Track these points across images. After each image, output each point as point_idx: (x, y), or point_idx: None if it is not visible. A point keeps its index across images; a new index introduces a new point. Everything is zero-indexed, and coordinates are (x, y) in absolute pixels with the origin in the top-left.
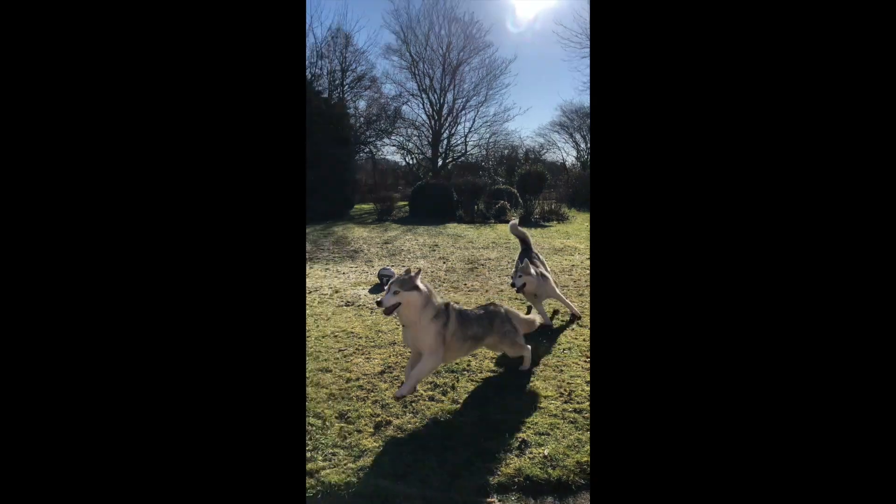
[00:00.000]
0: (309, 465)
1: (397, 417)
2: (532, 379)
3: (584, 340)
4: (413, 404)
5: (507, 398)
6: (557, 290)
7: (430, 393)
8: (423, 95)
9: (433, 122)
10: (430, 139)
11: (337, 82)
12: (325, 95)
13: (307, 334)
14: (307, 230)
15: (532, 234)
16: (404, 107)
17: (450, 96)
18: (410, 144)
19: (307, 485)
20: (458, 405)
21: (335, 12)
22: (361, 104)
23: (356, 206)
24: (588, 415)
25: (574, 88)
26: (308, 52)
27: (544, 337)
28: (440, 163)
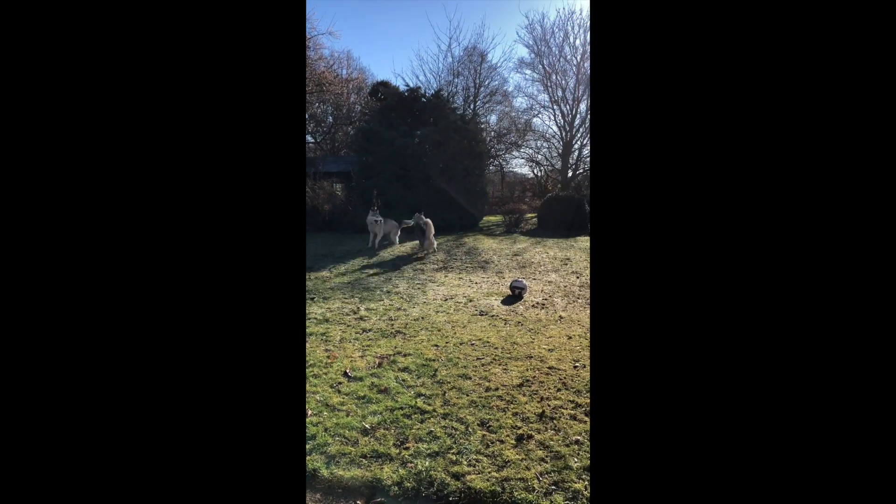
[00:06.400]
0: (454, 468)
1: (539, 433)
2: None
3: None
4: (554, 421)
5: None
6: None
7: (573, 412)
8: (555, 107)
9: (564, 134)
10: (560, 151)
11: (471, 98)
12: (461, 112)
13: (446, 340)
14: (441, 240)
15: None
16: (535, 119)
17: (583, 106)
18: (540, 156)
19: (452, 486)
20: None
21: (472, 32)
22: (493, 118)
23: (485, 218)
24: None
25: None
26: (445, 72)
27: None
28: (570, 174)
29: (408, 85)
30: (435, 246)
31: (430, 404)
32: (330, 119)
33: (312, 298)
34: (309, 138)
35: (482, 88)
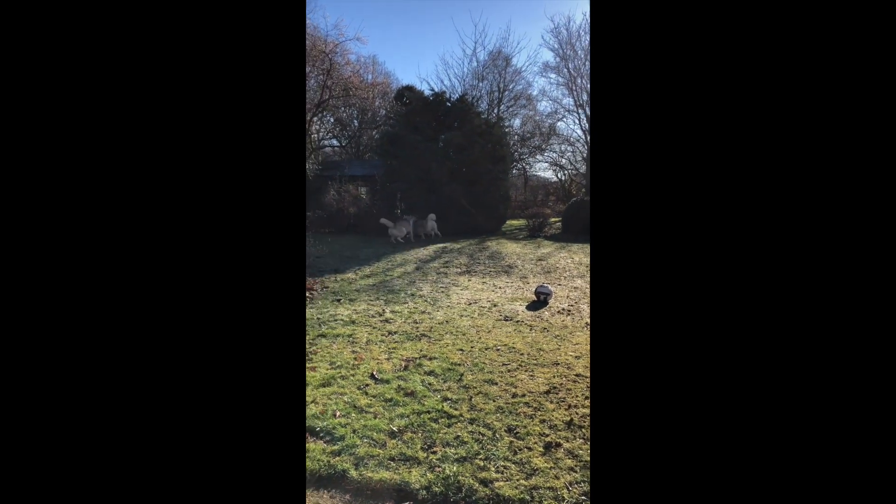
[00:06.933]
0: (482, 474)
1: (567, 441)
2: None
3: None
4: (583, 430)
5: None
6: None
7: None
8: (580, 111)
9: (589, 138)
10: (584, 155)
11: (495, 102)
12: (485, 116)
13: (471, 345)
14: (464, 243)
15: None
16: (559, 123)
17: None
18: (564, 160)
19: (481, 493)
20: None
21: (497, 36)
22: (516, 122)
23: (508, 222)
24: None
25: None
26: (470, 77)
27: None
28: None
29: (432, 89)
30: (432, 230)
31: (456, 409)
32: (355, 123)
33: (339, 300)
34: (334, 142)
35: (506, 92)
